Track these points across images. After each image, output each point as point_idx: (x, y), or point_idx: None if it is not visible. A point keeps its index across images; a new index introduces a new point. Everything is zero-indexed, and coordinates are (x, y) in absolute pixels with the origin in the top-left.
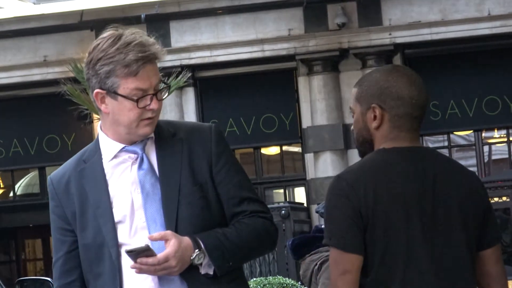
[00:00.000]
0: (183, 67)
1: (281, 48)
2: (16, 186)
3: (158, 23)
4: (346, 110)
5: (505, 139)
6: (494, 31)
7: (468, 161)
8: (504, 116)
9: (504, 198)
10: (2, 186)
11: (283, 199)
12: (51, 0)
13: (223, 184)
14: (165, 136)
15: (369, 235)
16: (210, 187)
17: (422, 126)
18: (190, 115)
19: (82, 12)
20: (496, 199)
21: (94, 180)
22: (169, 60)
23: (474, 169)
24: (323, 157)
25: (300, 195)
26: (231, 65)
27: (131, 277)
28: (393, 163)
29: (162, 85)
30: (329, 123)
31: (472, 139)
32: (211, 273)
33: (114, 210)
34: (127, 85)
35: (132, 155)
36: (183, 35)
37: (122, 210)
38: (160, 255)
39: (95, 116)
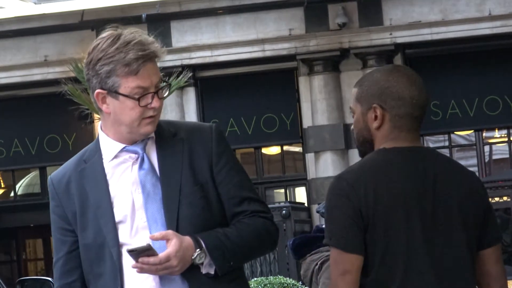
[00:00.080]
0: (183, 67)
1: (282, 48)
2: (17, 186)
3: (159, 23)
4: (346, 110)
5: (506, 139)
6: (495, 31)
7: (469, 161)
8: (504, 116)
9: (505, 198)
10: (2, 186)
11: (284, 199)
12: (52, 0)
13: (223, 184)
14: (166, 136)
15: (369, 235)
16: (211, 187)
17: (423, 126)
18: (191, 115)
19: (82, 12)
20: (496, 199)
21: (94, 180)
22: (169, 60)
23: (474, 169)
24: (324, 157)
25: (301, 195)
26: (232, 65)
27: (132, 277)
28: (393, 163)
29: (162, 84)
30: (330, 123)
31: (473, 139)
32: (212, 272)
33: (114, 210)
34: (128, 84)
35: (133, 155)
36: (183, 35)
37: (122, 210)
38: (161, 254)
39: (95, 116)
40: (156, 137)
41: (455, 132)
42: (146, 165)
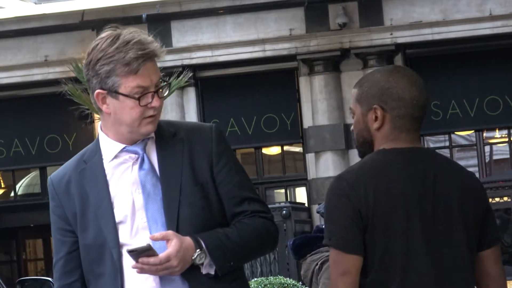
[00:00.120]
0: (184, 67)
1: (282, 48)
2: (17, 186)
3: (159, 23)
4: (347, 110)
5: (506, 139)
6: (495, 31)
7: (469, 161)
8: (505, 116)
9: (505, 198)
10: (3, 186)
11: (284, 199)
12: (52, 0)
13: (223, 184)
14: (166, 136)
15: (369, 235)
16: (211, 187)
17: (423, 126)
18: (191, 115)
19: (83, 12)
20: (497, 199)
21: (94, 181)
22: (170, 60)
23: (475, 169)
24: (324, 157)
25: (301, 195)
26: (232, 65)
27: (132, 277)
28: (393, 163)
29: (162, 83)
30: (330, 123)
31: (473, 139)
32: (213, 273)
33: (115, 211)
34: (128, 84)
35: (133, 155)
36: (184, 35)
37: (123, 210)
38: (161, 255)
39: (96, 116)
40: (156, 137)
41: (455, 132)
42: (146, 165)
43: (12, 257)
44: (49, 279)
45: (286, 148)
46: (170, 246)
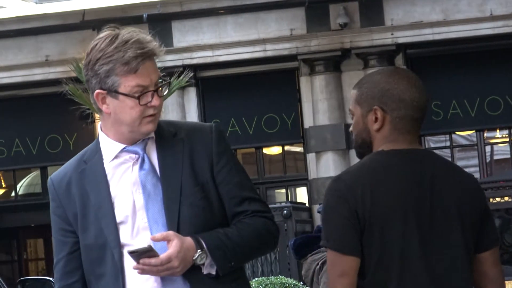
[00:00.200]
0: (185, 67)
1: (283, 48)
2: (18, 186)
3: (160, 23)
4: (348, 110)
5: (507, 139)
6: (496, 31)
7: (470, 161)
8: (506, 116)
9: (506, 198)
10: (3, 185)
11: (285, 199)
12: (53, 0)
13: (224, 184)
14: (166, 136)
15: (366, 236)
16: (211, 187)
17: (424, 126)
18: (192, 115)
19: (84, 12)
20: (498, 199)
21: (95, 181)
22: (171, 60)
23: (476, 169)
24: (325, 157)
25: (302, 195)
26: (233, 65)
27: (133, 277)
28: (391, 165)
29: (162, 82)
30: (331, 123)
31: (474, 139)
32: (214, 273)
33: (115, 211)
34: (127, 83)
35: (133, 155)
36: (185, 35)
37: (123, 210)
38: (162, 255)
39: (96, 116)
40: (156, 137)
41: (456, 132)
42: (146, 165)
43: (13, 257)
44: (50, 279)
45: (287, 148)
46: (171, 247)
